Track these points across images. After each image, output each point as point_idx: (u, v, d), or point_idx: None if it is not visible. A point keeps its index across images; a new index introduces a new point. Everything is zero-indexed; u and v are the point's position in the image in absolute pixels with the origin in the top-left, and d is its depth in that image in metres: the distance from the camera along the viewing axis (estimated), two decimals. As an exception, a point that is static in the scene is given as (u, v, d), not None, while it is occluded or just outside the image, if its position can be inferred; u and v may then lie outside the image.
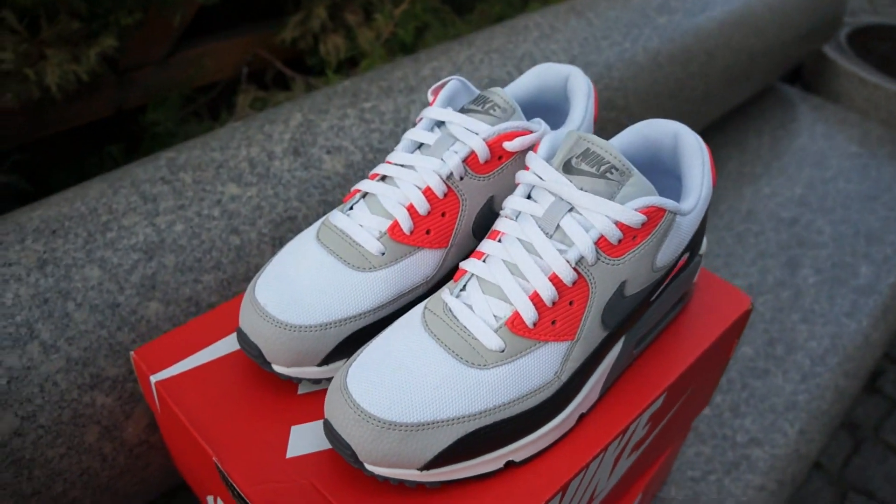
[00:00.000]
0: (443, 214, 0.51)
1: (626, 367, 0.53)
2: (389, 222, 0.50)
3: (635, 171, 0.46)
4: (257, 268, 0.61)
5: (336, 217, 0.51)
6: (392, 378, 0.43)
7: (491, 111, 0.52)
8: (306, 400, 0.50)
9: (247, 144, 0.67)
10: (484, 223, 0.53)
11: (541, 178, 0.47)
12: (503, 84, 0.80)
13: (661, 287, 0.51)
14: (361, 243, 0.50)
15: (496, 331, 0.44)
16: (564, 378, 0.46)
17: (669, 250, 0.48)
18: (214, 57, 1.03)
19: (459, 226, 0.52)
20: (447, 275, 0.53)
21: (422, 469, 0.43)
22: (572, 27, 0.90)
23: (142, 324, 0.55)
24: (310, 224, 0.64)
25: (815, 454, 0.81)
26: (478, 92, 0.56)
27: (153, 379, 0.50)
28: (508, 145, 0.51)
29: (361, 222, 0.51)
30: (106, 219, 0.58)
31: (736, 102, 1.17)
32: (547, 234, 0.46)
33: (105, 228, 0.58)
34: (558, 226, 0.45)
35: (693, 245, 0.52)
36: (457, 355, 0.44)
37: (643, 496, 0.65)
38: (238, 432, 0.47)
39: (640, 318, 0.51)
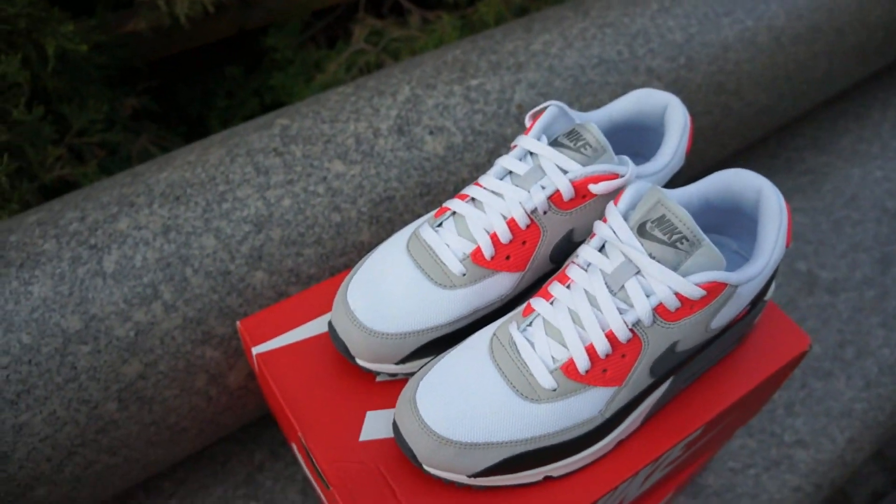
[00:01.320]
0: (523, 243, 0.55)
1: (672, 399, 0.57)
2: (473, 247, 0.55)
3: (706, 241, 0.48)
4: (354, 244, 0.67)
5: (426, 231, 0.56)
6: (455, 399, 0.50)
7: (582, 149, 0.54)
8: (383, 388, 0.57)
9: (355, 119, 0.71)
10: (562, 251, 0.57)
11: (616, 236, 0.50)
12: (611, 64, 0.80)
13: (717, 338, 0.54)
14: (446, 262, 0.55)
15: (551, 372, 0.49)
16: (608, 415, 0.51)
17: (727, 314, 0.51)
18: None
19: (538, 253, 0.56)
20: (521, 294, 0.58)
21: (470, 476, 0.50)
22: (694, 1, 0.87)
23: (248, 290, 0.63)
24: (406, 205, 0.69)
25: (860, 462, 0.84)
26: (576, 119, 0.58)
27: (254, 350, 0.58)
28: (594, 188, 0.54)
29: (448, 241, 0.55)
30: (223, 189, 0.65)
31: (862, 78, 1.11)
32: (612, 290, 0.49)
33: (221, 199, 0.64)
34: (623, 286, 0.49)
35: (756, 301, 0.55)
36: (513, 386, 0.50)
37: (674, 493, 0.71)
38: (321, 411, 0.55)
39: (690, 362, 0.55)
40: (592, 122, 0.61)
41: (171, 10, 0.87)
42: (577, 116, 0.59)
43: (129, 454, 0.62)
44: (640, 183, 0.52)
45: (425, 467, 0.50)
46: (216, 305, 0.62)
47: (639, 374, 0.50)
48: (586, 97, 0.78)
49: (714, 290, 0.48)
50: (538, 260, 0.56)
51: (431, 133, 0.71)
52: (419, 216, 0.70)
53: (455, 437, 0.49)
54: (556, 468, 0.52)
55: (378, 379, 0.57)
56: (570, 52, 0.79)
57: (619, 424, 0.53)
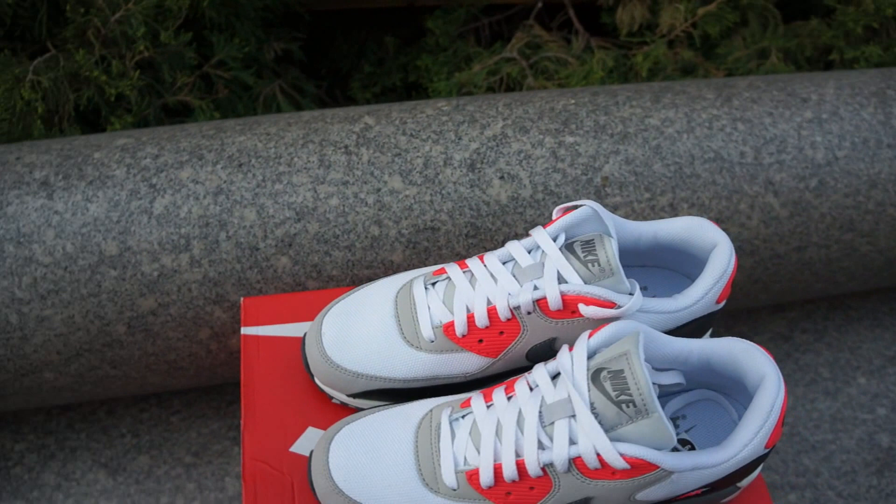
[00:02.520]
0: (501, 333, 0.54)
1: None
2: (448, 320, 0.54)
3: (657, 415, 0.45)
4: (383, 262, 0.68)
5: (417, 286, 0.56)
6: (363, 462, 0.50)
7: (590, 265, 0.51)
8: (332, 410, 0.58)
9: (434, 140, 0.71)
10: (540, 354, 0.55)
11: (571, 371, 0.47)
12: (726, 164, 0.73)
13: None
14: (420, 323, 0.55)
15: (457, 472, 0.49)
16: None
17: (660, 492, 0.47)
18: (515, -18, 1.03)
19: (514, 348, 0.54)
20: (488, 378, 0.57)
21: None
22: (861, 118, 0.76)
23: (269, 271, 0.67)
24: (448, 241, 0.69)
25: None
26: (611, 221, 0.55)
27: (242, 330, 0.62)
28: (584, 309, 0.51)
29: (430, 304, 0.55)
30: (283, 170, 0.68)
31: None
32: (542, 422, 0.47)
33: (277, 179, 0.68)
34: (553, 423, 0.47)
35: (719, 484, 0.50)
36: (420, 471, 0.50)
37: None
38: (270, 409, 0.58)
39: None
40: (635, 234, 0.57)
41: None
42: (615, 224, 0.56)
43: (129, 372, 0.69)
44: (627, 324, 0.49)
45: None
46: (236, 274, 0.66)
47: (545, 512, 0.48)
48: (683, 190, 0.72)
49: (639, 468, 0.45)
50: (513, 354, 0.55)
51: (502, 178, 0.70)
52: (459, 256, 0.70)
53: (354, 496, 0.50)
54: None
55: (333, 400, 0.59)
56: (687, 137, 0.73)
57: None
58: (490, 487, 0.48)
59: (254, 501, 0.54)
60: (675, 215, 0.72)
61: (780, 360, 0.89)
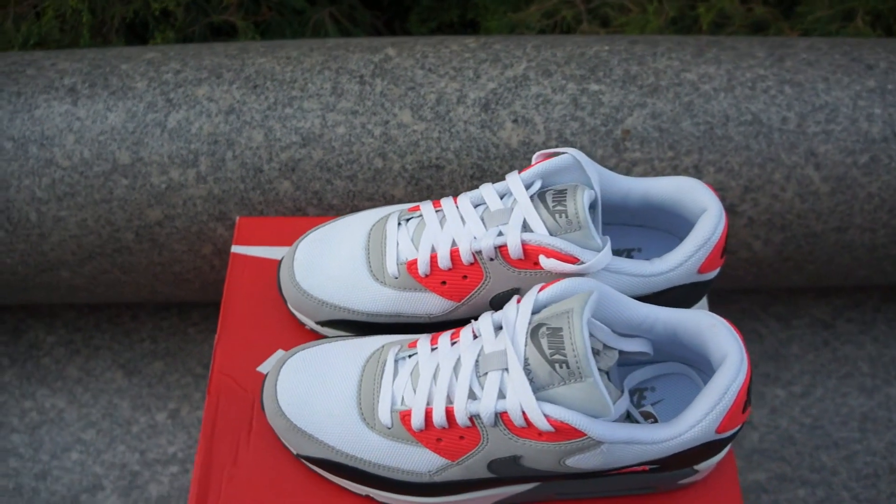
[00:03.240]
0: (464, 277, 0.52)
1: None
2: (412, 257, 0.53)
3: (592, 380, 0.43)
4: (384, 195, 0.68)
5: (391, 222, 0.55)
6: (309, 391, 0.51)
7: (557, 216, 0.49)
8: (303, 335, 0.59)
9: (451, 76, 0.69)
10: (504, 303, 0.53)
11: (513, 326, 0.46)
12: (765, 128, 0.67)
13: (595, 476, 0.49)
14: (387, 258, 0.54)
15: (391, 412, 0.48)
16: (437, 480, 0.49)
17: (592, 462, 0.45)
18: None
19: (478, 294, 0.53)
20: (454, 322, 0.55)
21: (297, 456, 0.52)
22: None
23: (271, 193, 0.67)
24: (452, 179, 0.67)
25: None
26: (595, 173, 0.52)
27: (233, 248, 0.63)
28: (544, 262, 0.49)
29: (399, 240, 0.54)
30: (295, 94, 0.68)
31: None
32: (477, 372, 0.46)
33: (289, 103, 0.68)
34: (487, 374, 0.45)
35: (668, 464, 0.47)
36: (360, 406, 0.50)
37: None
38: (245, 327, 0.59)
39: (561, 479, 0.50)
40: (624, 189, 0.54)
41: None
42: (600, 176, 0.52)
43: (139, 279, 0.73)
44: (582, 281, 0.46)
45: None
46: (239, 194, 0.67)
47: (475, 463, 0.47)
48: (711, 153, 0.67)
49: (565, 432, 0.43)
50: (476, 300, 0.53)
51: (515, 121, 0.67)
52: (459, 193, 0.68)
53: (295, 420, 0.51)
54: (380, 494, 0.52)
55: (306, 326, 0.59)
56: (725, 95, 0.68)
57: (454, 494, 0.51)
58: (421, 430, 0.47)
59: (214, 413, 0.56)
60: (700, 178, 0.68)
61: (816, 349, 0.83)
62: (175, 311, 0.86)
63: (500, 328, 0.47)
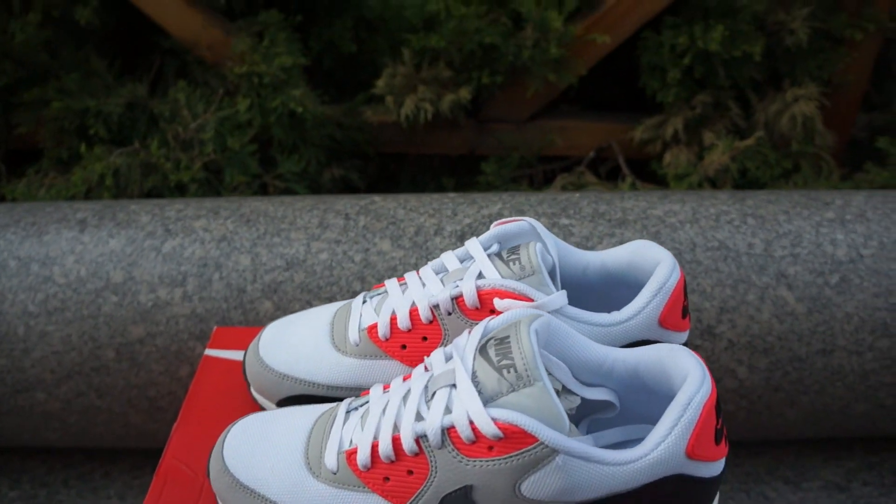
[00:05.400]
0: (424, 338, 0.52)
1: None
2: (373, 321, 0.53)
3: (541, 384, 0.41)
4: (362, 314, 0.69)
5: (357, 299, 0.56)
6: (256, 444, 0.48)
7: (511, 264, 0.50)
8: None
9: (430, 214, 0.74)
10: None
11: (463, 347, 0.45)
12: (732, 253, 0.69)
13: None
14: (349, 328, 0.54)
15: (338, 455, 0.45)
16: (385, 536, 0.44)
17: (549, 487, 0.41)
18: (567, 134, 1.10)
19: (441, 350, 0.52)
20: (415, 394, 0.54)
21: None
22: (892, 220, 0.71)
23: (252, 312, 0.69)
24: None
25: None
26: (552, 240, 0.54)
27: (206, 352, 0.63)
28: (499, 303, 0.49)
29: (363, 312, 0.55)
30: (283, 227, 0.73)
31: None
32: (426, 396, 0.44)
33: (277, 233, 0.72)
34: (434, 394, 0.43)
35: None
36: (307, 456, 0.47)
37: None
38: (205, 420, 0.57)
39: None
40: (582, 263, 0.56)
41: (398, 108, 1.02)
42: (558, 248, 0.54)
43: (112, 405, 0.71)
44: (532, 311, 0.46)
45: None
46: (221, 313, 0.69)
47: (427, 502, 0.43)
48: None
49: (515, 437, 0.40)
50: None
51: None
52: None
53: (239, 476, 0.48)
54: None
55: (267, 410, 0.57)
56: (690, 227, 0.71)
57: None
58: (367, 469, 0.44)
59: (158, 496, 0.52)
60: (674, 300, 0.68)
61: (835, 514, 0.75)
62: (149, 469, 0.82)
63: (451, 357, 0.46)
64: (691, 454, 0.42)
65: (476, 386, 0.42)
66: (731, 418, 0.72)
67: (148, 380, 0.70)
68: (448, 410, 0.42)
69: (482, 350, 0.43)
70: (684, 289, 0.52)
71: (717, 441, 0.43)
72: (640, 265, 0.53)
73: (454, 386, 0.43)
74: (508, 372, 0.41)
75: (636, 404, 0.48)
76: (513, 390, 0.41)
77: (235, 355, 0.63)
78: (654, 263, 0.52)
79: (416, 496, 0.43)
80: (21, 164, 1.02)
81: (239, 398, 0.59)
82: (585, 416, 0.49)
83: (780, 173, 0.97)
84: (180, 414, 0.58)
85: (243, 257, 0.71)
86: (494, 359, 0.42)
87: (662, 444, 0.41)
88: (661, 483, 0.42)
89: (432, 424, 0.42)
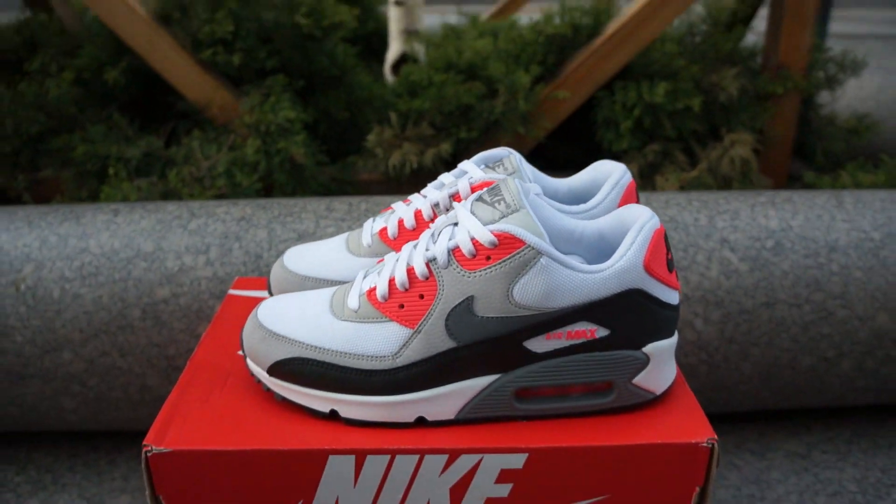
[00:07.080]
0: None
1: (508, 419, 0.53)
2: (383, 226, 0.63)
3: (525, 210, 0.51)
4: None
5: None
6: (289, 304, 0.57)
7: (496, 205, 0.60)
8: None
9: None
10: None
11: (461, 204, 0.55)
12: (681, 225, 0.81)
13: (555, 349, 0.52)
14: (362, 234, 0.64)
15: (360, 296, 0.54)
16: (399, 363, 0.52)
17: (535, 290, 0.50)
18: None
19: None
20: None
21: (267, 370, 0.54)
22: (814, 202, 0.84)
23: (268, 273, 0.78)
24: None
25: None
26: (530, 170, 0.65)
27: (229, 291, 0.72)
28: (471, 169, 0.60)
29: (375, 221, 0.65)
30: (295, 210, 0.84)
31: None
32: (433, 238, 0.54)
33: (289, 214, 0.83)
34: (441, 232, 0.53)
35: (605, 319, 0.51)
36: (332, 305, 0.55)
37: None
38: (226, 344, 0.65)
39: (520, 366, 0.52)
40: (555, 186, 0.67)
41: (386, 162, 1.16)
42: (532, 172, 0.66)
43: (133, 364, 0.78)
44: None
45: (247, 360, 0.56)
46: (240, 275, 0.78)
47: (433, 324, 0.51)
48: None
49: (507, 242, 0.50)
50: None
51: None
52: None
53: (270, 327, 0.55)
54: (342, 402, 0.53)
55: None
56: (646, 209, 0.84)
57: (416, 388, 0.52)
58: (385, 300, 0.53)
59: (189, 381, 0.58)
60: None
61: (797, 473, 0.82)
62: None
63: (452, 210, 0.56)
64: (648, 268, 0.51)
65: (475, 216, 0.52)
66: (693, 372, 0.81)
67: (169, 337, 0.77)
68: (452, 236, 0.52)
69: (478, 198, 0.54)
70: (665, 239, 0.62)
71: (670, 269, 0.53)
72: (600, 179, 0.65)
73: (456, 225, 0.53)
74: (499, 204, 0.52)
75: (601, 254, 0.58)
76: (503, 216, 0.51)
77: (257, 294, 0.71)
78: (608, 175, 0.64)
79: (427, 316, 0.51)
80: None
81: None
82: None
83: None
84: (206, 330, 0.65)
85: (260, 231, 0.81)
86: (488, 198, 0.53)
87: (624, 258, 0.51)
88: (626, 294, 0.51)
89: (441, 248, 0.51)
